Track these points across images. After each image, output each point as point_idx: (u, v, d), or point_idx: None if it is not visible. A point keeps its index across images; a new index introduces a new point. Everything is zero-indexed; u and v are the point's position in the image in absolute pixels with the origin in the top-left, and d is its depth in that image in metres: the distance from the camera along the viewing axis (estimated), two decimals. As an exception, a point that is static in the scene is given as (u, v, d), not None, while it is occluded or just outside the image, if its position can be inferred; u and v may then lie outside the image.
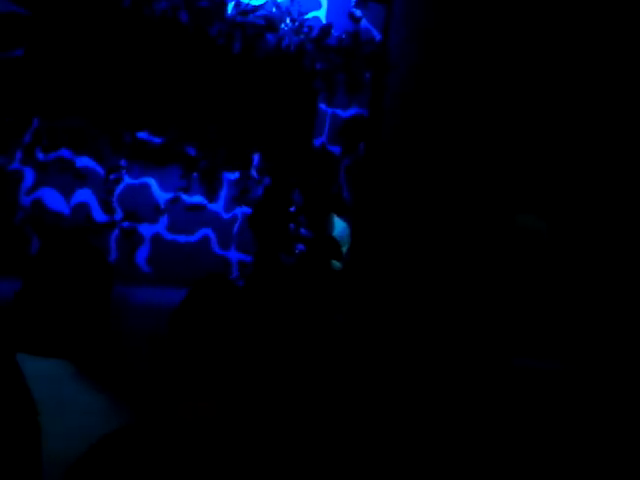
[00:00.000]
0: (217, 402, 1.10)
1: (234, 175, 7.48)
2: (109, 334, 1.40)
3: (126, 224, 6.82)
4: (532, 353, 4.99)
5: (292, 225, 6.85)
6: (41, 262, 1.35)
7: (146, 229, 6.99)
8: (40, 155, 6.34)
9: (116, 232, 6.81)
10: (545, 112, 7.23)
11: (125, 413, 1.24)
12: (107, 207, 6.73)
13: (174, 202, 7.12)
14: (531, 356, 4.94)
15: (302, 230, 7.07)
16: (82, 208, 6.63)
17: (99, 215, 6.72)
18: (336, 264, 7.16)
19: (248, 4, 7.25)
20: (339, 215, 7.41)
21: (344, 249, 7.23)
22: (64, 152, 6.46)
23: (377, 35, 8.32)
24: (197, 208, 7.26)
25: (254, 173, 7.59)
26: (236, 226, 7.52)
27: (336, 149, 8.24)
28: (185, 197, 7.18)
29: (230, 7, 7.14)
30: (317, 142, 8.12)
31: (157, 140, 6.94)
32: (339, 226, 7.18)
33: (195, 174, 7.21)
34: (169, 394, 1.12)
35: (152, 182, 7.00)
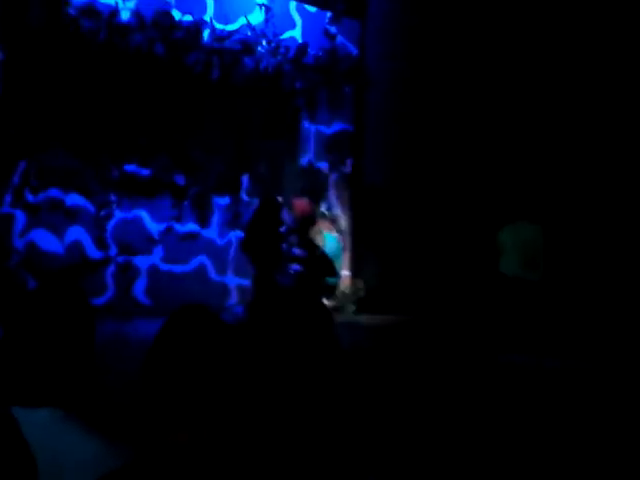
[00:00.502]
0: (197, 433, 1.09)
1: (225, 200, 7.49)
2: (95, 375, 1.38)
3: (121, 258, 6.81)
4: (518, 349, 5.03)
5: (284, 245, 6.83)
6: (21, 309, 1.33)
7: (142, 261, 6.98)
8: (29, 197, 6.33)
9: (112, 267, 6.80)
10: (529, 117, 7.29)
11: (120, 455, 1.23)
12: (101, 243, 6.72)
13: (167, 232, 7.11)
14: (517, 352, 4.97)
15: (294, 250, 7.05)
16: (76, 246, 6.62)
17: (93, 251, 6.71)
18: (331, 280, 7.15)
19: (223, 30, 7.31)
20: (330, 231, 7.43)
21: (337, 263, 7.23)
22: (53, 192, 6.46)
23: (354, 50, 8.39)
24: (191, 236, 7.26)
25: (244, 196, 7.60)
26: (231, 251, 7.51)
27: (323, 165, 8.26)
28: (178, 226, 7.18)
29: (205, 35, 7.20)
30: (304, 160, 8.14)
31: (145, 172, 6.95)
32: (330, 241, 7.20)
33: (186, 202, 7.22)
34: (150, 428, 1.12)
35: (144, 214, 7.00)
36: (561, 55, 7.13)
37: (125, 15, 6.72)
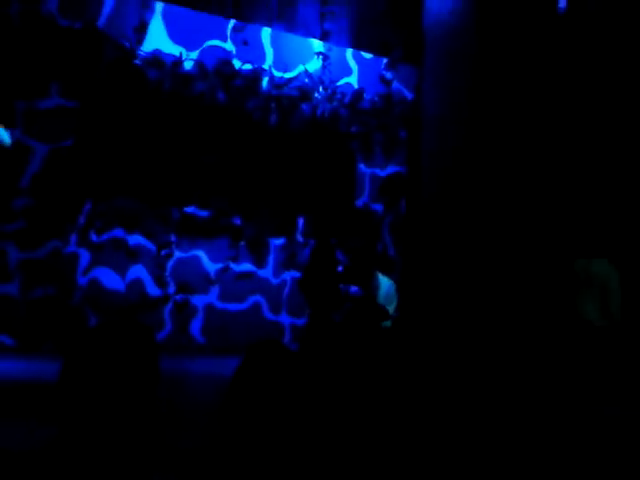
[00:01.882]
0: (281, 466, 1.12)
1: (280, 240, 7.66)
2: (156, 415, 1.38)
3: (179, 297, 7.01)
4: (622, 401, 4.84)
5: (342, 285, 6.90)
6: (87, 343, 1.34)
7: (198, 300, 7.17)
8: (94, 236, 6.63)
9: (170, 305, 7.01)
10: (591, 155, 7.23)
11: None
12: (160, 281, 6.95)
13: (224, 272, 7.30)
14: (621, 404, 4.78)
15: (352, 288, 7.12)
16: (136, 284, 6.87)
17: (153, 290, 6.94)
18: (385, 323, 7.17)
19: (281, 77, 7.56)
20: (385, 273, 7.46)
21: (392, 307, 7.26)
22: (117, 232, 6.74)
23: (408, 95, 8.53)
24: (247, 276, 7.43)
25: (299, 237, 7.75)
26: (286, 290, 7.64)
27: (378, 207, 8.37)
28: (234, 266, 7.36)
29: (264, 82, 7.46)
30: (359, 202, 8.27)
31: (204, 213, 7.18)
32: (384, 284, 7.21)
33: (242, 243, 7.41)
34: (230, 465, 1.13)
35: (201, 254, 7.22)
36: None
37: (188, 65, 7.04)
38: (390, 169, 8.43)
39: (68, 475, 1.23)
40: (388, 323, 7.40)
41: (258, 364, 1.23)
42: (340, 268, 6.72)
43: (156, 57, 6.83)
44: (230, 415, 1.18)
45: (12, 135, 5.45)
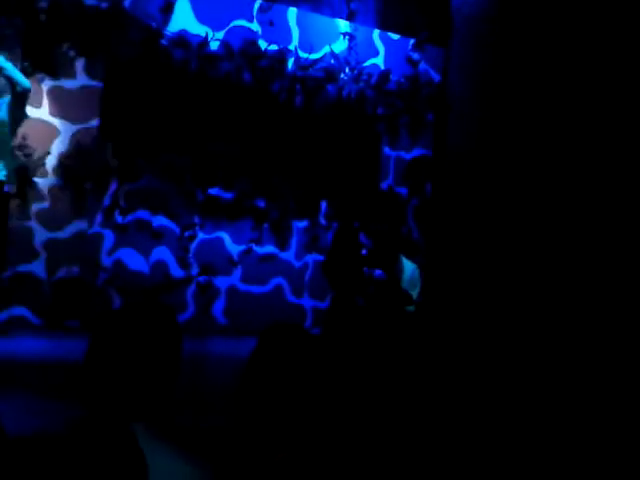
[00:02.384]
0: (296, 452, 1.11)
1: (303, 223, 7.63)
2: (174, 394, 1.39)
3: (202, 278, 7.03)
4: None
5: (366, 268, 6.86)
6: (111, 324, 1.35)
7: (221, 282, 7.18)
8: (118, 217, 6.65)
9: (193, 286, 7.03)
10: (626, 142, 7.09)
11: (198, 473, 1.25)
12: (183, 263, 6.97)
13: (247, 254, 7.30)
14: None
15: (376, 272, 7.08)
16: (160, 265, 6.89)
17: (176, 271, 6.96)
18: (409, 307, 7.13)
19: (307, 58, 7.48)
20: (409, 257, 7.41)
21: (415, 291, 7.20)
22: (141, 213, 6.76)
23: (435, 76, 8.41)
24: (269, 258, 7.42)
25: (322, 220, 7.71)
26: (308, 273, 7.63)
27: (403, 190, 8.30)
28: (257, 248, 7.36)
29: (290, 63, 7.39)
30: (384, 185, 8.20)
31: (228, 195, 7.17)
32: (409, 268, 7.16)
33: (266, 225, 7.39)
34: (246, 447, 1.13)
35: (225, 236, 7.22)
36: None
37: (214, 45, 7.00)
38: (416, 152, 8.35)
39: (96, 457, 1.23)
40: (412, 308, 7.38)
41: (273, 347, 1.22)
42: (364, 251, 6.68)
43: (182, 37, 6.78)
44: (245, 397, 1.18)
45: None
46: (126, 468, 1.19)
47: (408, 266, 7.44)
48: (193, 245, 7.04)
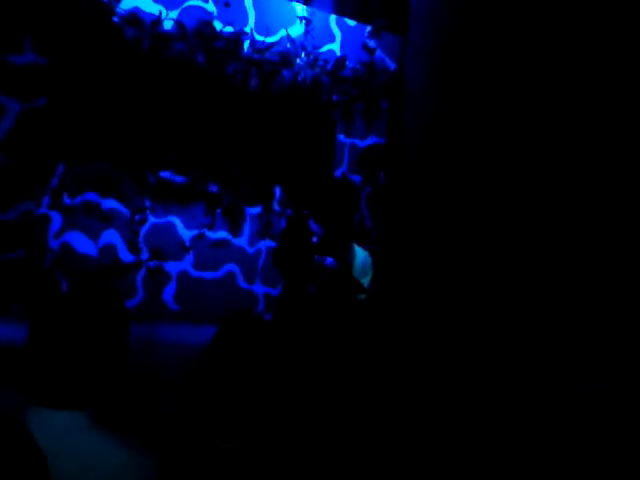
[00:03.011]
0: (243, 443, 1.10)
1: (257, 209, 7.56)
2: (125, 381, 1.36)
3: (152, 263, 6.91)
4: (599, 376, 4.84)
5: (317, 256, 6.86)
6: (56, 308, 1.31)
7: (172, 267, 7.07)
8: (67, 199, 6.47)
9: (143, 271, 6.90)
10: (581, 138, 7.20)
11: (143, 462, 1.22)
12: (133, 247, 6.83)
13: (199, 239, 7.20)
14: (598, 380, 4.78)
15: (328, 260, 7.07)
16: (109, 249, 6.74)
17: (126, 255, 6.82)
18: (360, 295, 7.15)
19: (263, 41, 7.39)
20: (361, 244, 7.42)
21: (366, 279, 7.23)
22: (90, 195, 6.59)
23: (391, 65, 8.41)
24: (222, 244, 7.34)
25: (276, 206, 7.66)
26: (261, 260, 7.57)
27: (357, 178, 8.30)
28: (210, 234, 7.26)
29: (246, 45, 7.28)
30: (338, 172, 8.18)
31: (180, 179, 7.05)
32: (360, 256, 7.18)
33: (218, 210, 7.30)
34: (194, 435, 1.12)
35: (176, 221, 7.10)
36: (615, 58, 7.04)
37: (168, 25, 6.84)
38: (370, 140, 8.35)
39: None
40: (363, 296, 7.40)
41: (232, 334, 1.21)
42: (315, 239, 6.67)
43: (135, 15, 6.61)
44: (203, 383, 1.17)
45: None
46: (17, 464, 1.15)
47: (360, 253, 7.45)
48: (143, 229, 6.90)
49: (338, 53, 8.01)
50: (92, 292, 1.37)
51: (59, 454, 1.21)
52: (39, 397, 1.28)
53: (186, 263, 7.15)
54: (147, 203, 6.88)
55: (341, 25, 8.07)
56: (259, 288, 7.58)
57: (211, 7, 7.16)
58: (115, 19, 6.54)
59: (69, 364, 1.28)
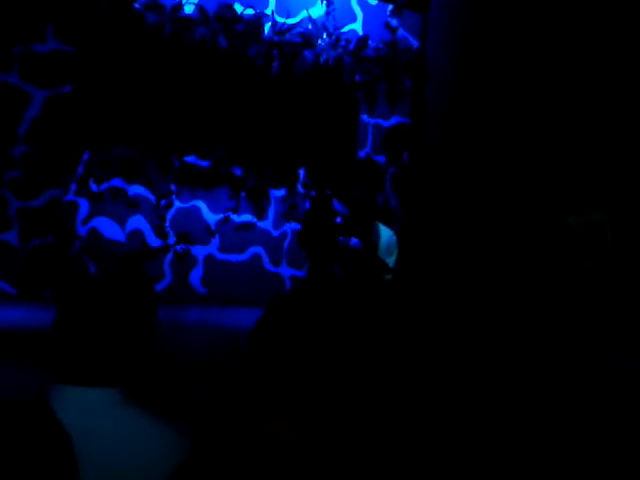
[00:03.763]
0: (296, 420, 1.10)
1: (281, 192, 7.58)
2: (151, 359, 1.37)
3: (179, 247, 6.97)
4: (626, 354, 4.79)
5: (341, 237, 6.85)
6: (86, 289, 1.32)
7: (199, 251, 7.14)
8: (93, 186, 6.55)
9: (170, 255, 6.97)
10: (603, 111, 7.09)
11: (171, 439, 1.24)
12: (160, 232, 6.90)
13: (224, 222, 7.25)
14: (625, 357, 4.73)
15: (353, 240, 7.06)
16: (136, 234, 6.82)
17: (153, 240, 6.90)
18: (386, 276, 7.14)
19: (284, 23, 7.36)
20: (386, 224, 7.40)
21: (392, 259, 7.21)
22: (116, 181, 6.67)
23: (414, 43, 8.33)
24: (247, 227, 7.38)
25: (300, 188, 7.67)
26: (286, 242, 7.60)
27: (381, 159, 8.27)
28: (234, 217, 7.31)
29: (267, 28, 7.27)
30: (361, 153, 8.16)
31: (204, 163, 7.09)
32: (385, 235, 7.16)
33: (243, 193, 7.33)
34: (249, 412, 1.12)
35: (202, 205, 7.15)
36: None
37: (189, 9, 6.85)
38: (394, 120, 8.30)
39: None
40: (389, 276, 7.39)
41: (283, 316, 1.22)
42: (339, 219, 6.65)
43: (156, 1, 6.63)
44: (252, 365, 1.17)
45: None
46: (43, 447, 1.17)
47: (385, 233, 7.43)
48: (169, 214, 6.97)
49: (360, 33, 7.96)
50: (121, 272, 1.39)
51: (87, 431, 1.22)
52: (66, 375, 1.29)
53: (212, 247, 7.21)
54: (172, 188, 6.94)
55: (362, 4, 8.01)
56: (285, 270, 7.62)
57: (232, -10, 7.16)
58: (136, 5, 6.56)
59: (97, 340, 1.29)
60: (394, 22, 8.22)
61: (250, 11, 7.16)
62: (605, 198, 6.05)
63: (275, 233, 7.56)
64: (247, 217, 7.38)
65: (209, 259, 7.17)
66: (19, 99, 6.21)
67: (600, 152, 6.98)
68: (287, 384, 1.14)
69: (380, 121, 8.22)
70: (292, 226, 7.51)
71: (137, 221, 6.81)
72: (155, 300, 1.42)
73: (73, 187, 6.47)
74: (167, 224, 6.94)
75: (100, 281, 1.36)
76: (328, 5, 7.65)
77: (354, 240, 7.06)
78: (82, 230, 6.53)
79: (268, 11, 7.31)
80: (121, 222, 6.73)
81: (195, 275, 7.10)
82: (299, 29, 7.44)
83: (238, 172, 7.25)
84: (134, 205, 6.76)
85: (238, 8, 7.12)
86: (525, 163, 7.56)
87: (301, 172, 7.67)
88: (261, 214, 7.45)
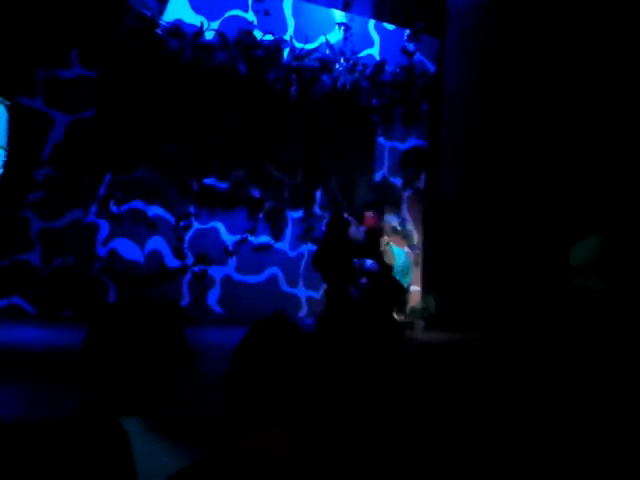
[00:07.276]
0: (286, 431, 1.13)
1: (298, 213, 7.65)
2: (178, 392, 1.37)
3: (197, 268, 7.05)
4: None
5: (356, 260, 6.87)
6: (113, 315, 1.33)
7: (216, 271, 7.21)
8: (114, 208, 6.66)
9: (188, 276, 7.05)
10: (612, 134, 7.10)
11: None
12: (179, 253, 6.99)
13: (242, 243, 7.32)
14: None
15: (368, 262, 7.08)
16: (155, 255, 6.91)
17: (171, 261, 6.98)
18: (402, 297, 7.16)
19: (302, 48, 7.48)
20: (402, 246, 7.43)
21: (407, 278, 7.25)
22: (136, 203, 6.77)
23: (431, 67, 8.42)
24: (264, 248, 7.45)
25: (317, 210, 7.74)
26: (303, 263, 7.65)
27: (397, 181, 8.32)
28: (252, 238, 7.38)
29: (285, 53, 7.39)
30: (378, 175, 8.22)
31: (223, 185, 7.19)
32: (400, 256, 7.20)
33: (261, 215, 7.41)
34: (237, 426, 1.15)
35: (220, 226, 7.24)
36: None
37: (209, 35, 6.99)
38: (410, 142, 8.36)
39: (92, 445, 1.23)
40: (405, 297, 7.42)
41: (262, 339, 1.25)
42: (354, 242, 6.68)
43: (177, 27, 6.77)
44: (234, 388, 1.21)
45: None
46: (112, 465, 1.20)
47: (399, 254, 7.47)
48: (188, 235, 7.06)
49: (377, 57, 8.06)
50: (157, 304, 1.40)
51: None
52: (96, 401, 1.30)
53: (229, 267, 7.28)
54: (192, 209, 7.03)
55: (380, 29, 8.12)
56: (302, 291, 7.66)
57: (251, 16, 7.29)
58: (158, 31, 6.71)
59: (126, 373, 1.30)
60: (411, 46, 8.31)
61: (269, 37, 7.29)
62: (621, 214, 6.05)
63: (292, 254, 7.62)
64: (264, 238, 7.45)
65: (226, 280, 7.24)
66: (43, 123, 6.35)
67: (618, 176, 6.98)
68: (268, 399, 1.17)
69: (396, 144, 8.30)
70: (308, 247, 7.56)
71: (156, 242, 6.90)
72: (183, 324, 1.43)
73: (94, 209, 6.58)
74: (185, 245, 7.02)
75: (131, 308, 1.38)
76: (346, 30, 7.76)
77: (368, 262, 7.11)
78: (102, 251, 6.63)
79: (287, 37, 7.44)
80: (140, 243, 6.82)
81: (212, 296, 7.16)
82: (317, 54, 7.55)
83: (256, 194, 7.34)
84: (153, 226, 6.85)
85: (257, 34, 7.25)
86: (542, 185, 7.58)
87: (318, 194, 7.75)
88: (278, 235, 7.52)
